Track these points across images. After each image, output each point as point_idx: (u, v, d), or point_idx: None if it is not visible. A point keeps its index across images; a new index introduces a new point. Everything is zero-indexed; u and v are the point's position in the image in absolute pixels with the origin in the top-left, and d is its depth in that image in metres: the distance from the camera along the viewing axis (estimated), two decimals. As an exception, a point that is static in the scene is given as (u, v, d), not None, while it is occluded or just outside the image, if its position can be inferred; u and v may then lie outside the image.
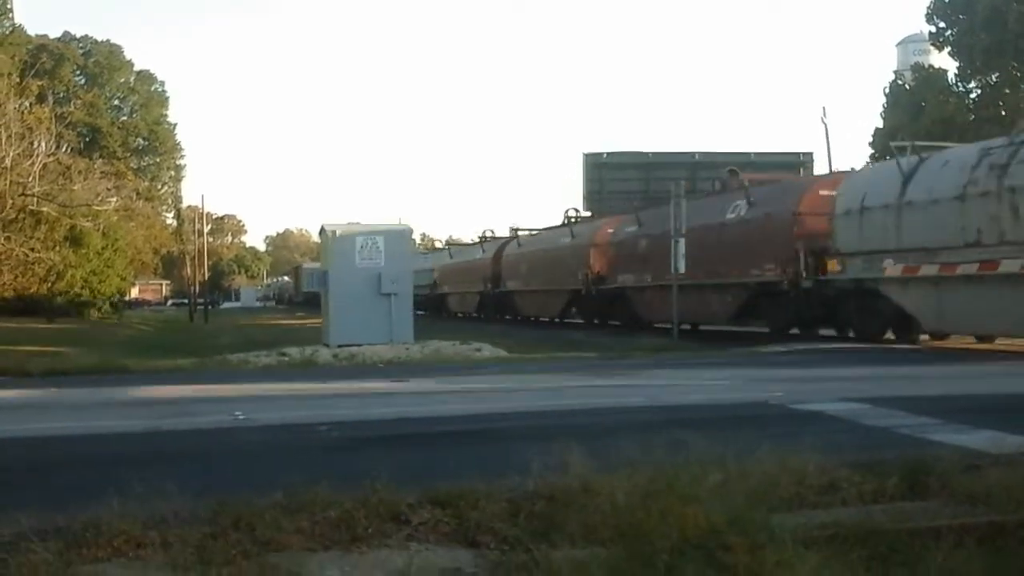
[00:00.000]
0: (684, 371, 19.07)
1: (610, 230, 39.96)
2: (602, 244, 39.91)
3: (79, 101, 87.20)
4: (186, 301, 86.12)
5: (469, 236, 69.76)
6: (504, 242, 54.15)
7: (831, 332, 28.16)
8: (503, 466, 7.32)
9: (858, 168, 31.46)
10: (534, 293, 47.90)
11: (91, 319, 51.69)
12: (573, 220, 47.84)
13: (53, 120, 42.17)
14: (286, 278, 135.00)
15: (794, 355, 22.72)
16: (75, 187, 40.71)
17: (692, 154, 56.60)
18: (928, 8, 55.68)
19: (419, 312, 59.34)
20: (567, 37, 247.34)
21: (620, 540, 5.92)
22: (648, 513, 6.11)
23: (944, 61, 58.38)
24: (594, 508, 6.31)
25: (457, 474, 7.22)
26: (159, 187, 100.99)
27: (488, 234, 61.45)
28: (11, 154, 30.06)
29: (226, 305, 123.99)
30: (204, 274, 79.93)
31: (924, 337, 25.77)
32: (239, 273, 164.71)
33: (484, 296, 54.02)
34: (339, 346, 25.52)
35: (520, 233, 52.99)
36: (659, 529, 5.94)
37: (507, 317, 52.61)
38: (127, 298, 77.05)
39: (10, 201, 29.91)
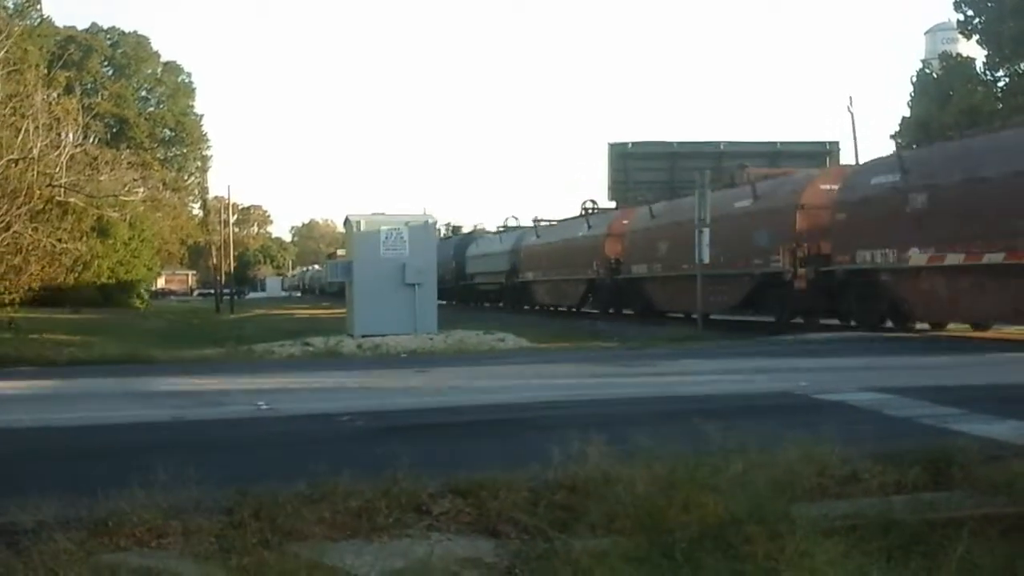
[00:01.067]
0: (706, 361, 19.02)
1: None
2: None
3: (106, 92, 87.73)
4: (212, 291, 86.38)
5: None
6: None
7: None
8: (524, 456, 7.32)
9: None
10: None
11: (117, 309, 51.93)
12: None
13: (80, 111, 42.35)
14: (316, 267, 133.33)
15: (815, 344, 22.61)
16: (102, 178, 40.89)
17: (717, 144, 56.41)
18: (956, -4, 55.30)
19: (487, 305, 55.72)
20: (592, 27, 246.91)
21: (640, 530, 5.93)
22: (669, 503, 6.12)
23: (972, 50, 57.92)
24: (615, 498, 6.31)
25: (478, 464, 7.24)
26: (185, 178, 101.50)
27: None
28: (39, 145, 30.16)
29: (252, 295, 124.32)
30: (230, 264, 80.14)
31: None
32: (265, 263, 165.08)
33: (598, 284, 42.06)
34: (363, 336, 25.59)
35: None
36: (680, 519, 5.95)
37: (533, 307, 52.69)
38: (153, 288, 77.40)
39: (37, 192, 30.01)
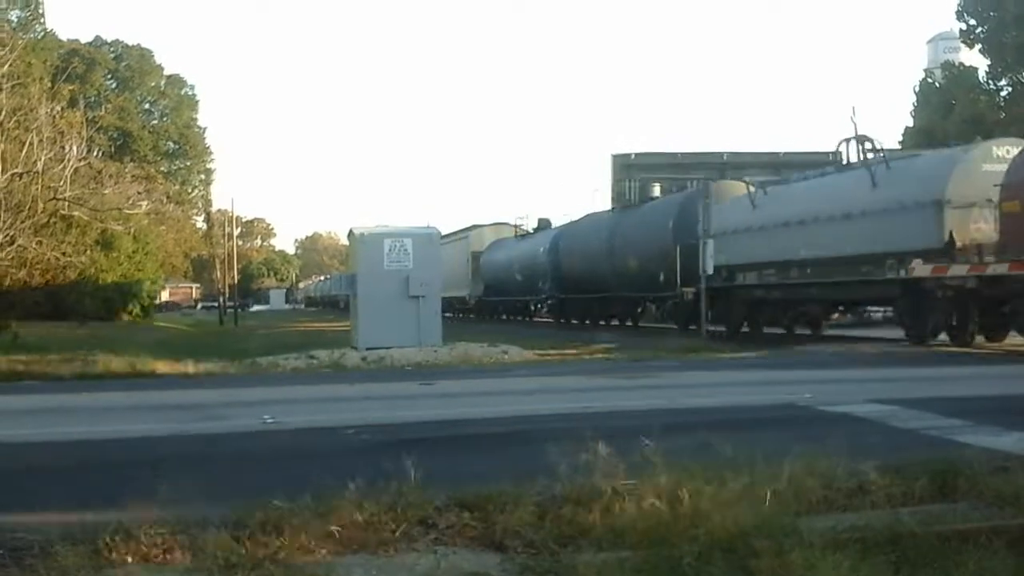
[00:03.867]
0: (711, 372, 19.04)
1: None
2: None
3: (110, 105, 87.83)
4: (216, 304, 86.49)
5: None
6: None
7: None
8: (530, 469, 7.31)
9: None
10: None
11: (122, 322, 51.98)
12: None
13: (84, 124, 42.40)
14: (323, 278, 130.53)
15: (820, 356, 22.61)
16: (106, 191, 40.96)
17: (720, 154, 56.56)
18: (959, 5, 55.37)
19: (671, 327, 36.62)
20: (596, 37, 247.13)
21: (647, 544, 5.93)
22: (675, 517, 6.12)
23: (975, 59, 58.06)
24: (621, 512, 6.31)
25: (484, 477, 7.23)
26: (189, 191, 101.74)
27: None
28: (43, 158, 30.22)
29: (256, 308, 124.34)
30: (234, 277, 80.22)
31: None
32: (268, 276, 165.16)
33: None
34: (368, 349, 25.57)
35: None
36: (686, 533, 5.95)
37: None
38: (158, 301, 77.44)
39: (41, 205, 30.10)
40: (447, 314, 53.74)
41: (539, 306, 55.98)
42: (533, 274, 50.90)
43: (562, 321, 49.86)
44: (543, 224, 56.15)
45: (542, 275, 49.40)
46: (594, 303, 45.21)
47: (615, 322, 44.64)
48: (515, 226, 60.07)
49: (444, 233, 57.79)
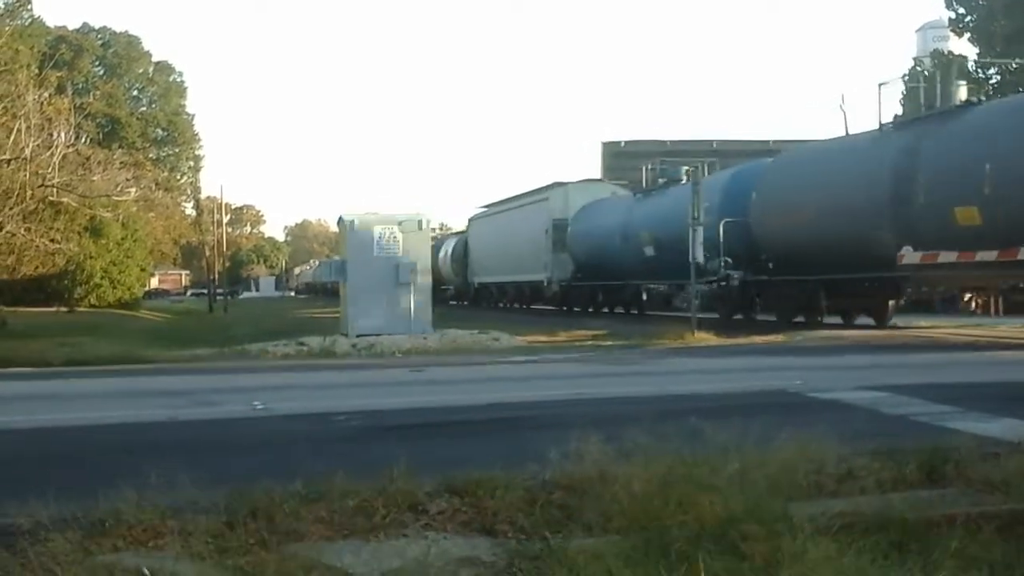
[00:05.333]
0: (701, 359, 19.09)
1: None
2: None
3: (98, 92, 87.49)
4: (205, 291, 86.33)
5: None
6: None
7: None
8: (521, 455, 7.33)
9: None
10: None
11: (111, 309, 51.86)
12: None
13: (72, 111, 42.25)
14: (314, 264, 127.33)
15: (810, 342, 22.64)
16: (95, 178, 40.79)
17: (710, 142, 56.58)
18: (947, -6, 55.39)
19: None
20: (586, 24, 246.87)
21: (637, 529, 5.94)
22: (665, 502, 6.12)
23: (964, 48, 58.04)
24: (611, 497, 6.32)
25: (475, 463, 7.23)
26: (178, 177, 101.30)
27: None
28: (31, 145, 30.13)
29: (245, 295, 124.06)
30: (223, 264, 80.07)
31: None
32: (258, 263, 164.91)
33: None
34: (358, 336, 25.58)
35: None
36: (676, 518, 5.95)
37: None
38: (147, 288, 77.32)
39: (30, 192, 30.03)
40: (515, 305, 51.86)
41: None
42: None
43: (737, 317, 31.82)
44: (670, 174, 37.74)
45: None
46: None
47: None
48: (620, 182, 46.55)
49: (505, 197, 56.08)
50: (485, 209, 59.87)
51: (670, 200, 34.20)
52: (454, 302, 63.49)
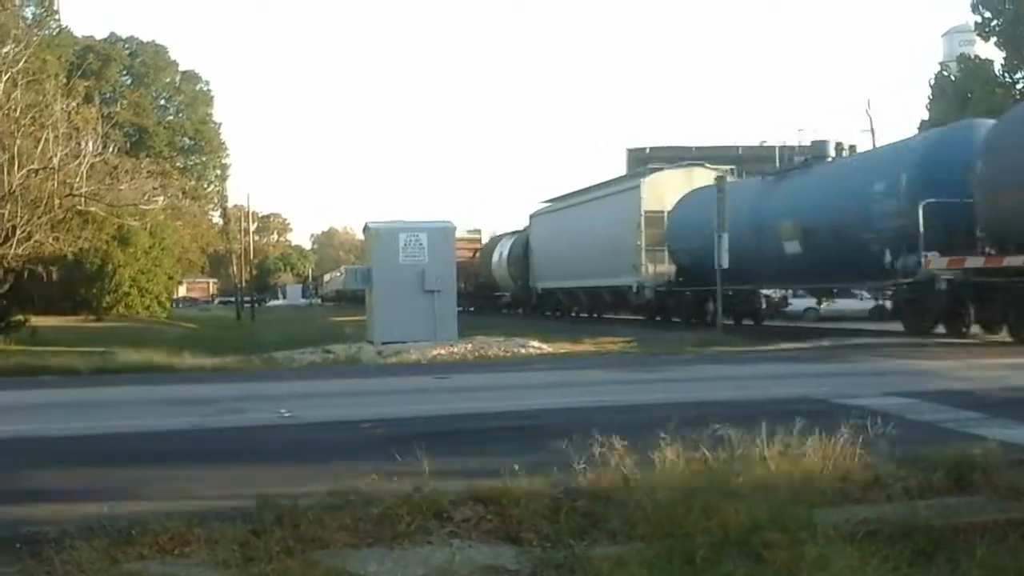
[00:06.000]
0: (727, 366, 19.02)
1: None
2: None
3: (125, 101, 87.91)
4: (233, 299, 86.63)
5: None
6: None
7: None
8: (545, 462, 7.33)
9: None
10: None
11: (139, 317, 52.12)
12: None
13: (100, 120, 42.37)
14: (341, 271, 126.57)
15: (833, 349, 22.50)
16: (122, 187, 40.93)
17: (736, 148, 56.37)
18: (973, -2, 55.14)
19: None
20: (611, 31, 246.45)
21: (661, 536, 5.94)
22: (689, 509, 6.12)
23: (990, 51, 57.75)
24: (635, 504, 6.32)
25: (499, 471, 7.24)
26: (205, 186, 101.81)
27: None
28: (59, 155, 30.25)
29: (272, 303, 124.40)
30: (250, 272, 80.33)
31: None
32: (285, 271, 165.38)
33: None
34: (384, 343, 25.60)
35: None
36: (700, 525, 5.95)
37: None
38: (174, 296, 77.62)
39: (58, 201, 30.11)
40: (590, 315, 44.35)
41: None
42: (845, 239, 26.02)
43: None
44: (813, 150, 31.99)
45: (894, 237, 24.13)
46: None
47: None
48: (727, 168, 38.02)
49: (575, 190, 48.58)
50: (549, 204, 53.33)
51: (822, 180, 29.09)
52: (509, 310, 59.12)
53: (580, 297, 45.57)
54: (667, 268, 36.79)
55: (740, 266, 29.28)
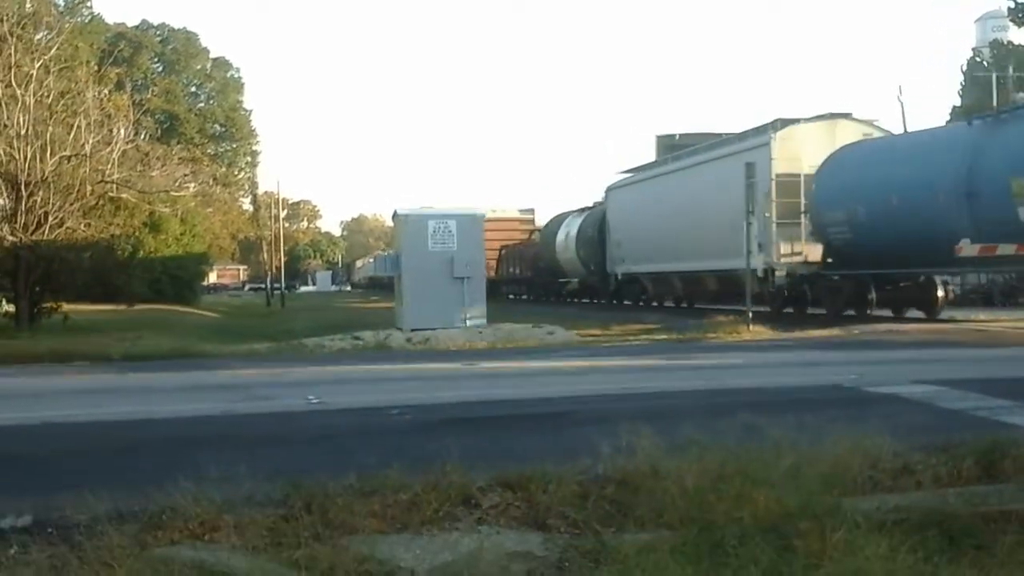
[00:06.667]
0: (756, 353, 18.97)
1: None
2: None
3: (156, 88, 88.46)
4: (263, 286, 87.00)
5: (541, 219, 62.23)
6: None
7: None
8: (573, 449, 7.34)
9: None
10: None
11: (170, 304, 52.40)
12: None
13: (131, 107, 42.71)
14: (371, 259, 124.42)
15: (862, 336, 22.37)
16: (153, 173, 41.23)
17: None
18: (1007, -16, 54.66)
19: None
20: (642, 17, 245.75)
21: (690, 524, 5.93)
22: (718, 497, 6.11)
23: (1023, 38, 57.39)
24: (663, 492, 6.31)
25: (527, 457, 7.25)
26: (236, 173, 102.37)
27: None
28: (91, 141, 30.42)
29: (302, 289, 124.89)
30: (280, 259, 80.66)
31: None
32: (315, 257, 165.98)
33: None
34: (412, 330, 25.66)
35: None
36: (729, 513, 5.94)
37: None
38: (205, 283, 77.99)
39: (90, 188, 30.27)
40: (691, 305, 36.94)
41: None
42: None
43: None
44: None
45: None
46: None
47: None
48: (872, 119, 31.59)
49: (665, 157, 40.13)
50: (630, 175, 43.82)
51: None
52: (576, 299, 51.21)
53: (674, 283, 38.32)
54: (807, 247, 29.15)
55: (931, 239, 23.52)
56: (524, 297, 59.32)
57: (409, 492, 6.44)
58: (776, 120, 30.37)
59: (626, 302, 43.05)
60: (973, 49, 66.14)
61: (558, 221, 53.15)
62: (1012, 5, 54.88)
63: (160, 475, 6.49)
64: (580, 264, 47.68)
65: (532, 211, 65.56)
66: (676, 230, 35.63)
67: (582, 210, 50.44)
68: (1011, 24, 57.70)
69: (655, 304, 40.21)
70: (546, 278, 54.45)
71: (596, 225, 45.56)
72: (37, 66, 29.95)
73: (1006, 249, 21.23)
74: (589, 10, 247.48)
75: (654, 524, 6.06)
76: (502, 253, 61.06)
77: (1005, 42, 59.37)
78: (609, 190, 45.17)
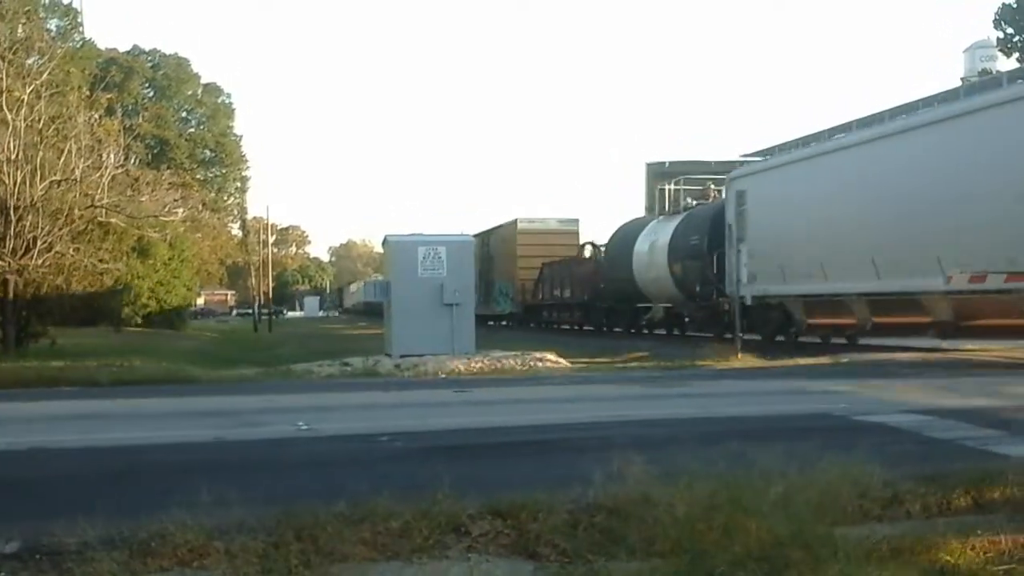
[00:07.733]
0: (745, 381, 18.96)
1: None
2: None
3: (147, 113, 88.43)
4: (251, 311, 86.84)
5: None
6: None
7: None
8: (564, 477, 7.33)
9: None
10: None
11: (157, 329, 52.28)
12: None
13: (122, 132, 42.67)
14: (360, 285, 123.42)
15: (851, 366, 22.39)
16: (143, 198, 41.14)
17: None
18: (996, 14, 55.09)
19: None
20: (624, 40, 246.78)
21: (680, 553, 5.92)
22: (709, 526, 6.11)
23: (1012, 67, 57.67)
24: (654, 520, 6.31)
25: (517, 485, 7.24)
26: (225, 198, 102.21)
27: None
28: (81, 166, 30.41)
29: (290, 314, 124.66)
30: (269, 284, 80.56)
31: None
32: (303, 283, 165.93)
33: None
34: (401, 356, 25.61)
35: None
36: (720, 542, 5.94)
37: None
38: (193, 308, 77.82)
39: (79, 212, 30.24)
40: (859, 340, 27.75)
41: None
42: None
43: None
44: None
45: None
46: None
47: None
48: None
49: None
50: (764, 158, 31.65)
51: None
52: (667, 331, 39.35)
53: (852, 309, 25.95)
54: None
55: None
56: (579, 327, 47.60)
57: (399, 520, 6.43)
58: None
59: (757, 337, 29.41)
60: (962, 78, 66.38)
61: (635, 229, 41.66)
62: (1001, 35, 55.32)
63: (150, 501, 6.49)
64: (675, 285, 35.74)
65: (576, 221, 54.67)
66: (869, 232, 24.59)
67: (674, 214, 39.52)
68: (999, 54, 58.10)
69: (802, 339, 29.26)
70: (612, 302, 42.92)
71: (703, 230, 33.40)
72: (28, 91, 29.97)
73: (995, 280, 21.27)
74: (576, 37, 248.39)
75: (645, 553, 6.06)
76: (543, 272, 51.07)
77: (993, 71, 59.62)
78: (732, 178, 31.75)
